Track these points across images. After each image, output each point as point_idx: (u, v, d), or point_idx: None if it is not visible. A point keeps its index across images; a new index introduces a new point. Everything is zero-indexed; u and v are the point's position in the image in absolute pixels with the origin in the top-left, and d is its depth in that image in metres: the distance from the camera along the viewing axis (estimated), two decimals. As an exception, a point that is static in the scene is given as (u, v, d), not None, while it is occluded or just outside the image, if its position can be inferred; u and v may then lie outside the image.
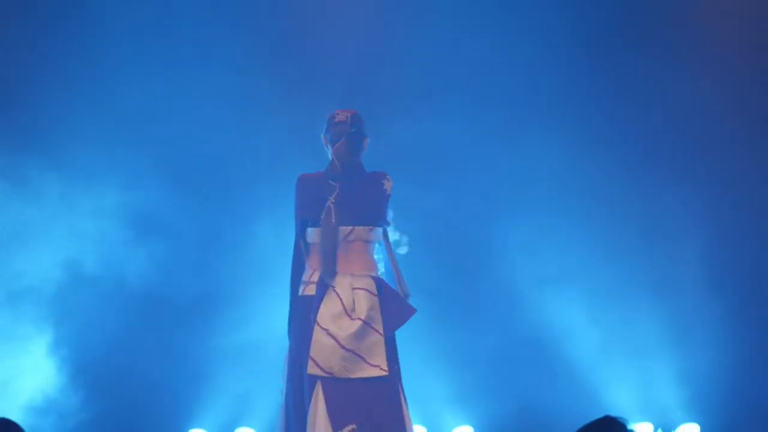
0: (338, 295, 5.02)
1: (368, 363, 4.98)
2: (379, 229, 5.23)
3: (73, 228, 6.64)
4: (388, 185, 5.21)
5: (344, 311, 5.01)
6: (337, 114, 5.23)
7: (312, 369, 4.96)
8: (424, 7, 7.32)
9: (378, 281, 5.15)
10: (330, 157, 5.24)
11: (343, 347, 4.95)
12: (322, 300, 5.04)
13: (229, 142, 6.93)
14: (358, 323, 4.99)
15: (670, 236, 7.31)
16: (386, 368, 4.99)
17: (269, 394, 6.50)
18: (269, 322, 6.63)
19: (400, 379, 5.15)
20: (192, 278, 6.80)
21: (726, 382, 7.03)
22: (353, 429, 4.94)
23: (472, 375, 7.08)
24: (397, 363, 5.13)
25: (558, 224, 7.26)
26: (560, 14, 7.29)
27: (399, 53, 7.27)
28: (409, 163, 7.00)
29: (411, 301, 5.31)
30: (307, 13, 7.22)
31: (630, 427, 2.67)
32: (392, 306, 5.12)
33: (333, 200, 5.08)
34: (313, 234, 5.18)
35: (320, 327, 4.97)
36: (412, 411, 6.67)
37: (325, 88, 7.02)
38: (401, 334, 5.32)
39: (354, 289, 5.05)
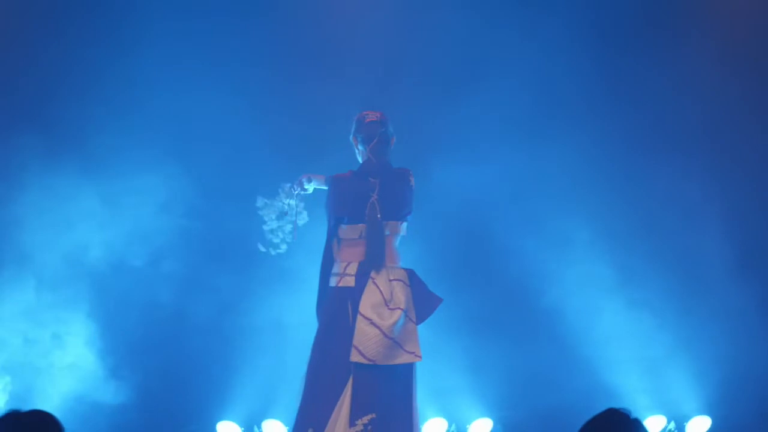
0: (377, 287, 5.19)
1: (405, 350, 5.17)
2: (406, 223, 5.44)
3: (113, 224, 6.71)
4: (412, 180, 5.43)
5: (383, 302, 5.17)
6: (367, 115, 5.42)
7: (355, 357, 5.12)
8: (439, 6, 7.38)
9: (409, 272, 5.35)
10: (362, 156, 5.43)
11: (386, 336, 5.12)
12: (362, 291, 5.21)
13: (254, 147, 6.98)
14: (398, 312, 5.18)
15: (683, 231, 7.34)
16: (420, 354, 5.20)
17: (295, 389, 6.50)
18: (296, 318, 6.72)
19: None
20: (226, 277, 6.90)
21: (737, 376, 7.04)
22: (372, 418, 5.11)
23: (491, 369, 7.13)
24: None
25: (572, 219, 7.27)
26: (582, 13, 7.33)
27: (414, 51, 7.35)
28: (436, 156, 7.10)
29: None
30: (324, 14, 7.31)
31: (634, 416, 2.73)
32: (422, 296, 5.32)
33: (376, 196, 5.27)
34: (347, 230, 5.34)
35: (363, 317, 5.14)
36: (433, 404, 6.92)
37: (347, 89, 7.09)
38: (421, 328, 5.44)
39: (391, 280, 5.23)
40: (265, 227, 5.54)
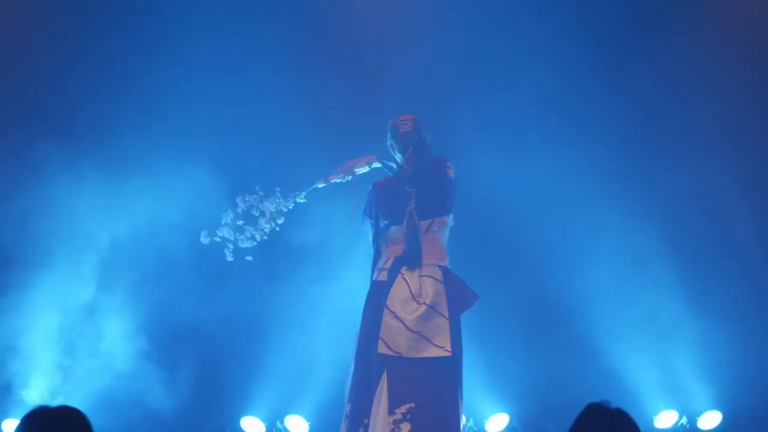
0: (406, 282, 5.28)
1: (433, 344, 5.19)
2: (452, 215, 5.49)
3: (157, 219, 6.73)
4: (451, 172, 5.45)
5: (411, 296, 5.25)
6: (401, 124, 5.45)
7: (382, 348, 5.22)
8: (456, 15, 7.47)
9: (443, 269, 5.38)
10: (400, 162, 5.45)
11: (409, 329, 5.19)
12: (392, 285, 5.31)
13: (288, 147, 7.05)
14: (424, 307, 5.23)
15: (692, 229, 7.36)
16: (450, 349, 5.20)
17: (317, 385, 6.79)
18: (318, 316, 6.87)
19: (461, 363, 5.35)
20: (250, 276, 6.82)
21: (748, 371, 7.04)
22: (411, 407, 5.15)
23: (508, 365, 7.20)
24: (460, 348, 5.33)
25: (592, 222, 7.32)
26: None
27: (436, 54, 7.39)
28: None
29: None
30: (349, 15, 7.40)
31: (615, 406, 2.81)
32: (457, 292, 5.35)
33: (413, 205, 5.33)
34: (393, 231, 5.41)
35: (389, 310, 5.25)
36: None
37: (371, 86, 7.17)
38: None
39: (422, 276, 5.30)
40: (255, 233, 5.56)
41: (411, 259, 5.32)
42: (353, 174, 5.62)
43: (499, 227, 7.35)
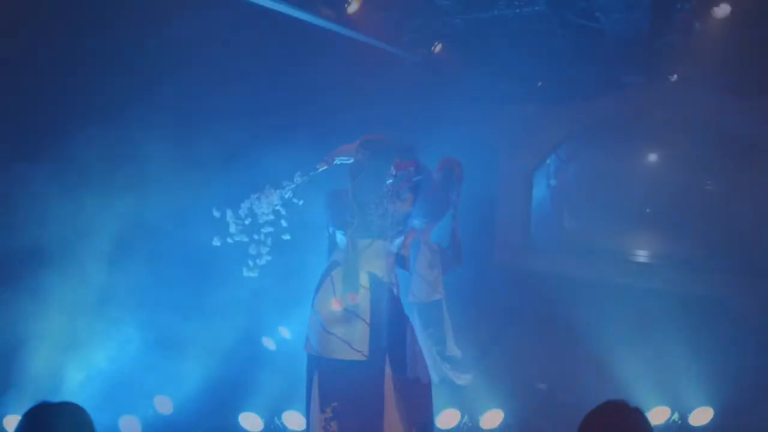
0: (333, 285, 5.39)
1: (353, 348, 5.31)
2: (399, 239, 5.52)
3: (156, 217, 6.75)
4: (407, 205, 5.41)
5: (334, 300, 5.35)
6: (362, 147, 5.39)
7: (307, 347, 5.40)
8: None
9: (371, 276, 5.42)
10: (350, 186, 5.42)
11: (326, 330, 5.31)
12: (320, 288, 5.43)
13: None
14: (342, 311, 5.34)
15: (685, 234, 7.53)
16: (367, 354, 5.30)
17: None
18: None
19: (398, 365, 5.37)
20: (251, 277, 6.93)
21: (739, 369, 7.14)
22: (335, 406, 5.31)
23: (502, 363, 7.35)
24: (398, 350, 5.37)
25: (591, 220, 7.38)
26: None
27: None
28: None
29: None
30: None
31: (633, 405, 2.82)
32: (381, 299, 5.41)
33: (351, 233, 5.36)
34: (339, 238, 5.51)
35: (314, 311, 5.40)
36: (447, 397, 7.05)
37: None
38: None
39: (349, 280, 5.37)
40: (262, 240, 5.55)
41: (348, 274, 5.37)
42: (352, 155, 5.59)
43: (509, 228, 7.38)
